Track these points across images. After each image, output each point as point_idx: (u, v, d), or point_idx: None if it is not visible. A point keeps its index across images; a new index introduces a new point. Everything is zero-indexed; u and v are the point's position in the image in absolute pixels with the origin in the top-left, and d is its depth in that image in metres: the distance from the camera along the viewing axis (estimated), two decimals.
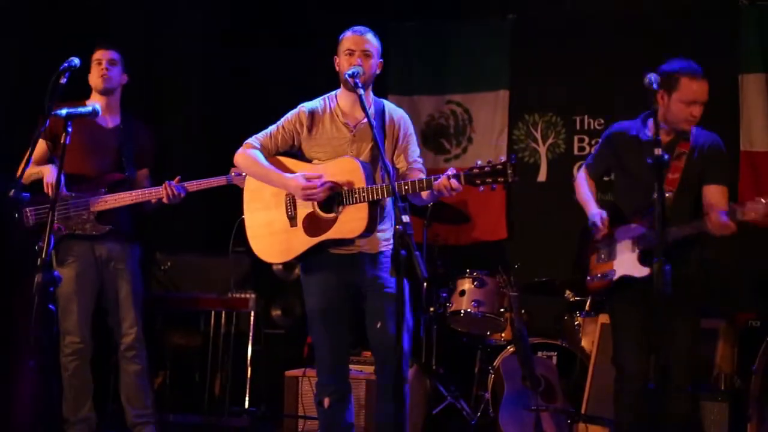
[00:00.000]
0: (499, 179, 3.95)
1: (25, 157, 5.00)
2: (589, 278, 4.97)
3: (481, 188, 4.01)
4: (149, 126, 5.77)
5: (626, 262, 4.75)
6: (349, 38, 4.48)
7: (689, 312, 4.66)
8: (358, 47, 4.44)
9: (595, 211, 4.86)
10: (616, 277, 4.78)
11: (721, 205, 4.62)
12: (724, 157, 4.85)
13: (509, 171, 3.94)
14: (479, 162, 4.02)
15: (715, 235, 4.46)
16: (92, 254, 5.39)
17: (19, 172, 5.07)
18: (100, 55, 5.48)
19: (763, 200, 4.30)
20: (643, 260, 4.67)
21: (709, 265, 5.02)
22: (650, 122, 4.78)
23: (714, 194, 4.71)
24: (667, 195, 4.60)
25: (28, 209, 5.32)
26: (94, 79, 5.48)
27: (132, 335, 5.45)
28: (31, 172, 5.26)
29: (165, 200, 5.29)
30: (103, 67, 5.46)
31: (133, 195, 5.33)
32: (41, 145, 5.42)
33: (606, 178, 5.28)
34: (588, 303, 6.53)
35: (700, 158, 4.74)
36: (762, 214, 4.31)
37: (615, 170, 5.04)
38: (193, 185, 5.34)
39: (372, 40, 4.48)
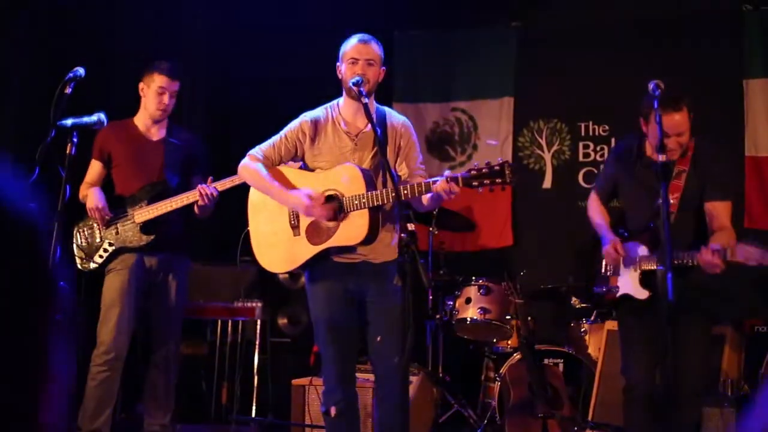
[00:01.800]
0: (497, 181, 3.93)
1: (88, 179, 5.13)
2: (596, 288, 4.95)
3: (480, 190, 3.99)
4: (197, 134, 5.79)
5: (628, 282, 4.74)
6: (352, 46, 4.47)
7: (700, 320, 4.65)
8: (362, 56, 4.43)
9: (608, 238, 4.78)
10: (618, 294, 4.78)
11: (723, 222, 4.57)
12: (724, 169, 4.78)
13: (507, 172, 3.92)
14: (476, 164, 4.01)
15: (704, 270, 4.40)
16: (142, 266, 5.39)
17: (82, 194, 5.29)
18: (165, 84, 5.43)
19: (751, 248, 4.28)
20: (644, 282, 4.66)
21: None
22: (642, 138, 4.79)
23: (716, 210, 4.62)
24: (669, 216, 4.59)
25: (80, 229, 5.49)
26: (152, 106, 5.46)
27: (166, 347, 5.45)
28: (83, 194, 5.42)
29: (200, 202, 5.24)
30: (165, 101, 5.44)
31: (172, 201, 5.33)
32: (95, 167, 5.52)
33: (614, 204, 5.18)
34: (594, 313, 6.52)
35: (700, 175, 4.66)
36: (753, 259, 4.29)
37: (620, 189, 4.96)
38: (226, 183, 5.26)
39: (375, 48, 4.48)
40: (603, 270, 4.92)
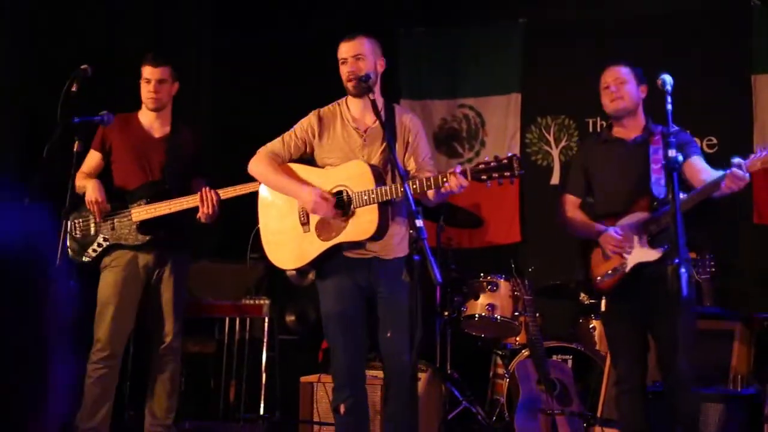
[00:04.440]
0: (505, 174, 3.96)
1: (76, 170, 5.02)
2: (598, 279, 4.93)
3: (489, 184, 4.02)
4: (197, 134, 5.71)
5: (636, 252, 4.76)
6: (340, 47, 4.56)
7: (688, 311, 4.65)
8: (349, 54, 4.50)
9: (604, 229, 4.84)
10: (628, 268, 4.77)
11: (701, 169, 4.68)
12: (687, 136, 4.90)
13: (515, 165, 3.95)
14: (486, 157, 4.03)
15: (731, 191, 4.38)
16: (136, 264, 5.32)
17: (74, 183, 5.11)
18: (149, 74, 5.38)
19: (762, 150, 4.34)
20: (653, 244, 4.68)
21: (725, 267, 5.01)
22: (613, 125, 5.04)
23: (695, 164, 4.72)
24: (659, 180, 4.71)
25: (75, 220, 5.36)
26: (144, 97, 5.42)
27: (165, 343, 5.36)
28: (80, 184, 5.25)
29: (201, 207, 5.15)
30: (151, 89, 5.38)
31: (172, 204, 5.27)
32: (94, 157, 5.44)
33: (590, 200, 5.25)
34: (603, 304, 6.50)
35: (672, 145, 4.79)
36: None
37: (592, 176, 5.05)
38: (229, 192, 5.20)
39: (361, 42, 4.51)
40: (602, 255, 4.91)
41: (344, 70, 4.50)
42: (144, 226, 5.30)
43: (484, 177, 4.00)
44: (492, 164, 3.97)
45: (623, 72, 4.96)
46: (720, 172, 4.48)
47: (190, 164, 5.51)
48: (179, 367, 5.49)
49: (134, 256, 5.34)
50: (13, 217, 0.99)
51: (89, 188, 5.27)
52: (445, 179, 4.07)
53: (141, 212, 5.29)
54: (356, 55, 4.48)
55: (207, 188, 5.18)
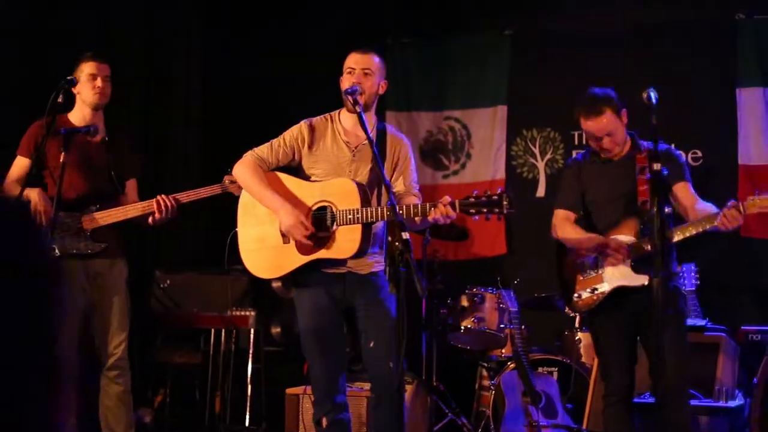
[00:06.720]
0: (494, 210, 3.96)
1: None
2: (576, 296, 4.93)
3: (476, 218, 4.02)
4: (130, 134, 5.60)
5: (619, 273, 4.76)
6: (350, 57, 4.54)
7: (674, 319, 4.67)
8: (358, 66, 4.48)
9: (600, 241, 4.80)
10: (609, 289, 4.77)
11: (693, 197, 4.72)
12: (679, 159, 4.89)
13: (504, 203, 3.94)
14: (476, 192, 4.02)
15: (726, 229, 4.41)
16: (83, 273, 5.16)
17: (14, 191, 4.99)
18: (96, 69, 5.18)
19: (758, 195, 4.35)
20: (637, 269, 4.68)
21: (711, 280, 5.02)
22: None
23: (682, 190, 4.75)
24: (645, 205, 4.68)
25: None
26: (89, 94, 5.19)
27: (117, 355, 5.21)
28: (15, 194, 5.01)
29: (157, 214, 5.06)
30: (99, 84, 5.18)
31: (127, 210, 5.16)
32: (24, 164, 5.19)
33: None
34: (578, 319, 6.53)
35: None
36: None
37: (587, 192, 5.04)
38: (184, 196, 5.14)
39: (374, 60, 4.52)
40: (581, 273, 4.92)
41: (348, 80, 4.48)
42: (97, 233, 5.16)
43: (472, 210, 3.99)
44: (482, 199, 3.97)
45: (609, 122, 4.78)
46: (712, 207, 4.51)
47: (127, 166, 5.40)
48: (130, 377, 5.31)
49: (82, 265, 5.16)
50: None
51: (34, 197, 5.04)
52: (432, 208, 4.07)
53: (94, 219, 5.15)
54: (365, 69, 4.48)
55: (162, 195, 5.09)
